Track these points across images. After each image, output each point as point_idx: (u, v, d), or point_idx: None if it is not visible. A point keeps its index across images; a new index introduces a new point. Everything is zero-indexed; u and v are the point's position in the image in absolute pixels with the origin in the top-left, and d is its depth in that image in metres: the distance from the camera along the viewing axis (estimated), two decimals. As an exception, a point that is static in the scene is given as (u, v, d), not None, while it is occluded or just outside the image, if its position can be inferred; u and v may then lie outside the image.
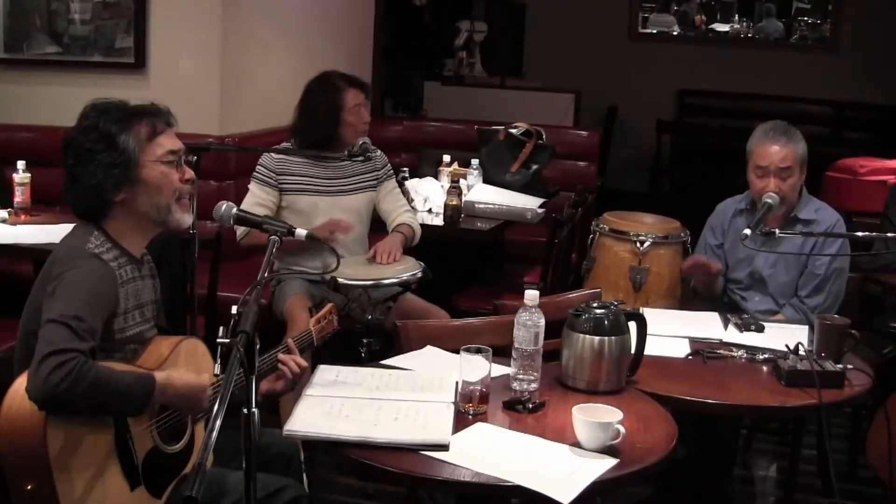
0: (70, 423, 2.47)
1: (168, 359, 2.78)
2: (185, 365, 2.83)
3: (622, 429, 2.57)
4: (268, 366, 2.94)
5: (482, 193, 5.90)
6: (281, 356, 2.98)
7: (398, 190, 5.04)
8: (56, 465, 2.42)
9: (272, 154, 4.67)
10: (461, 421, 2.74)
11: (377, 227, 4.94)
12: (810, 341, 3.46)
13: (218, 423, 2.01)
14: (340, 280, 4.32)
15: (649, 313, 3.42)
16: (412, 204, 5.54)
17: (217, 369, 2.22)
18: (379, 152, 4.92)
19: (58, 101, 5.96)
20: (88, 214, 2.81)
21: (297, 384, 3.04)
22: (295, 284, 4.62)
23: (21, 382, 2.46)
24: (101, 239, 2.76)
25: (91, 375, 2.42)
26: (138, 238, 2.87)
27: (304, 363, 3.03)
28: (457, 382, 2.86)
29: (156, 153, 2.80)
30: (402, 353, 3.35)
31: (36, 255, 4.34)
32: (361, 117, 4.73)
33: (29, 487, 2.42)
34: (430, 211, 5.67)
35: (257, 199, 4.64)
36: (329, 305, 3.32)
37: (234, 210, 2.82)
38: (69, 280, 2.60)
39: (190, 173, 2.90)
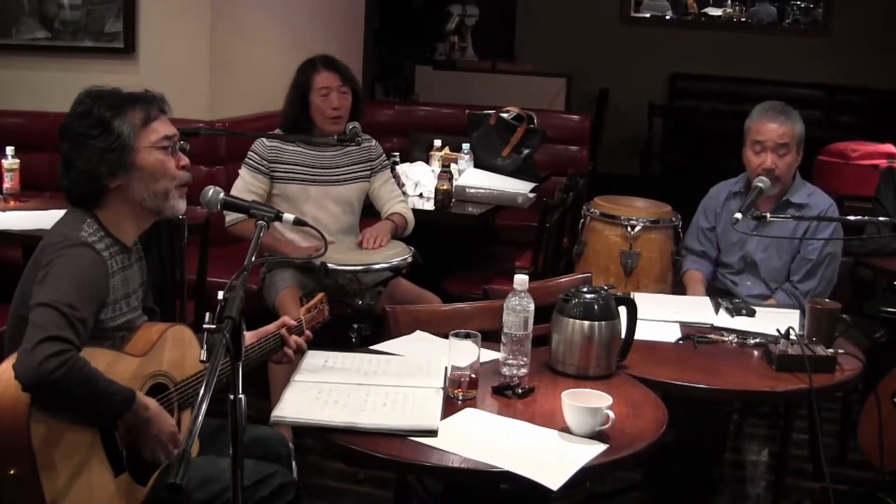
0: (54, 408, 2.46)
1: (155, 345, 2.76)
2: (170, 354, 2.82)
3: (611, 414, 2.56)
4: (272, 346, 2.99)
5: (473, 178, 5.89)
6: (283, 333, 3.02)
7: (393, 180, 5.02)
8: (39, 449, 2.41)
9: (265, 141, 4.64)
10: (450, 406, 2.73)
11: (370, 215, 4.92)
12: (801, 326, 3.46)
13: (203, 408, 2.00)
14: (330, 265, 4.31)
15: (640, 298, 3.41)
16: (402, 189, 5.53)
17: (203, 355, 2.21)
18: (374, 142, 4.90)
19: (47, 87, 5.94)
20: (83, 201, 2.80)
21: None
22: (286, 276, 4.59)
23: (6, 367, 2.45)
24: (93, 227, 2.75)
25: (84, 372, 2.43)
26: (132, 227, 2.86)
27: (303, 344, 3.08)
28: (446, 368, 2.85)
29: (150, 139, 2.79)
30: (392, 338, 3.33)
31: (25, 240, 4.32)
32: (329, 102, 4.61)
33: (11, 472, 2.41)
34: (420, 196, 5.65)
35: (248, 185, 4.61)
36: (320, 295, 3.31)
37: (222, 195, 2.80)
38: (61, 267, 2.59)
39: (185, 160, 2.90)
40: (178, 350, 2.85)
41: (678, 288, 4.47)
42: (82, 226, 2.73)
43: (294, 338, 3.05)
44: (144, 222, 2.90)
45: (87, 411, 2.51)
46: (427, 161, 6.17)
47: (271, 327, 3.04)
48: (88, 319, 2.57)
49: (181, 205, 2.90)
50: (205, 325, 2.21)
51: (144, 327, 2.86)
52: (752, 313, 3.71)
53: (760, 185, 4.02)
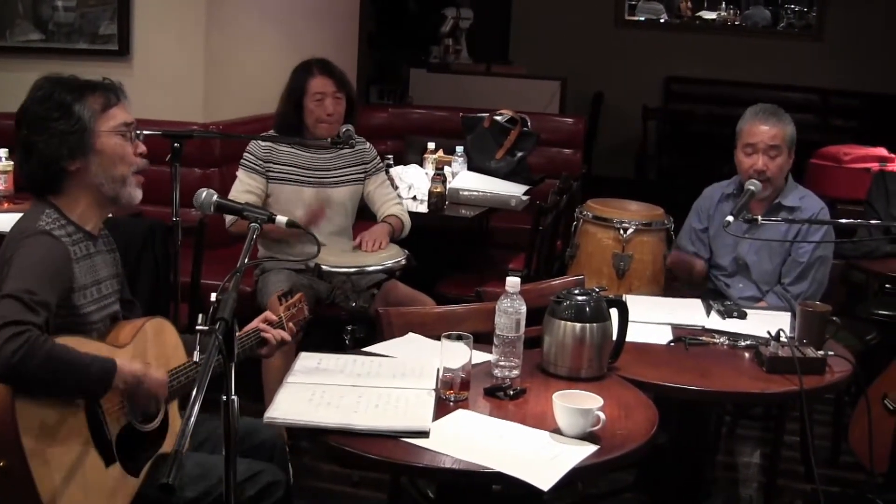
0: (40, 399, 2.47)
1: (135, 339, 2.79)
2: (152, 346, 2.85)
3: (602, 415, 2.58)
4: (254, 341, 3.01)
5: (467, 180, 5.91)
6: (262, 325, 3.05)
7: (388, 182, 5.03)
8: (28, 440, 2.42)
9: (259, 142, 4.66)
10: (442, 408, 2.74)
11: (365, 217, 4.93)
12: (792, 328, 3.47)
13: (196, 409, 2.01)
14: (324, 267, 4.32)
15: (632, 300, 3.43)
16: (396, 192, 5.54)
17: (196, 356, 2.22)
18: (368, 145, 4.91)
19: (41, 89, 5.93)
20: (42, 188, 2.84)
21: (276, 351, 3.12)
22: (279, 278, 4.60)
23: None
24: (53, 216, 2.78)
25: (46, 349, 2.44)
26: (92, 212, 2.88)
27: (287, 336, 3.10)
28: (438, 369, 2.87)
29: (109, 124, 2.84)
30: (385, 339, 3.35)
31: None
32: (324, 108, 4.63)
33: (1, 464, 2.42)
34: (414, 198, 5.66)
35: (245, 186, 4.63)
36: (298, 294, 3.33)
37: (215, 197, 2.82)
38: (20, 258, 2.63)
39: (142, 147, 2.94)
40: (160, 342, 2.89)
41: (670, 290, 4.49)
42: (41, 216, 2.77)
43: (277, 331, 3.08)
44: (103, 209, 2.92)
45: (65, 388, 2.52)
46: (421, 164, 6.19)
47: (252, 324, 3.06)
48: (50, 303, 2.60)
49: (137, 193, 2.93)
50: (197, 327, 2.23)
51: (120, 325, 2.90)
52: (743, 315, 3.73)
53: (752, 188, 4.04)
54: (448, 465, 2.44)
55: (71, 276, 2.73)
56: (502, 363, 2.98)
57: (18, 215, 4.42)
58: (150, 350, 2.83)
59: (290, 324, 3.18)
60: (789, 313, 3.74)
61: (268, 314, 3.12)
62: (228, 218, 4.50)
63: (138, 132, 2.95)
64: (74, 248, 2.78)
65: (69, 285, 2.72)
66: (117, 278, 3.00)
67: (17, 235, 2.71)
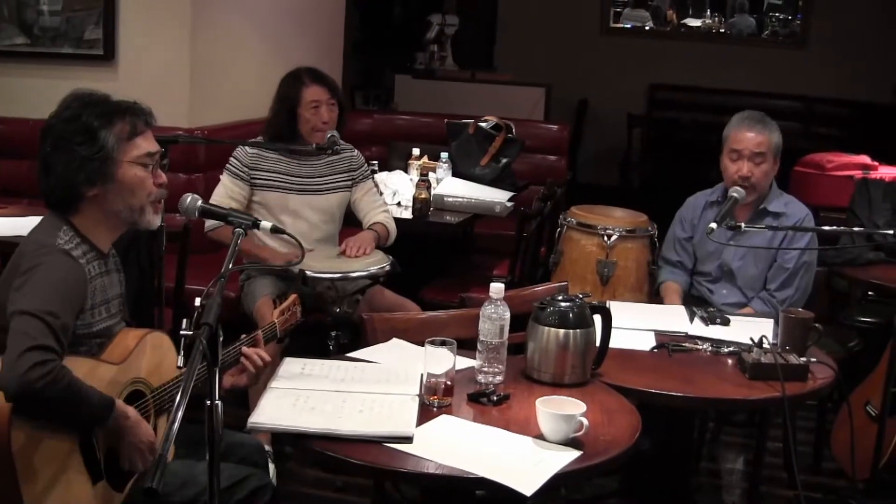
0: (35, 416, 2.47)
1: (133, 352, 2.78)
2: (149, 359, 2.83)
3: (585, 421, 2.58)
4: (231, 358, 2.95)
5: (451, 187, 5.91)
6: (245, 350, 2.99)
7: (375, 190, 5.03)
8: (19, 459, 2.42)
9: (246, 148, 4.66)
10: (426, 413, 2.75)
11: (352, 224, 4.93)
12: (775, 335, 3.48)
13: (179, 415, 2.01)
14: (308, 273, 4.32)
15: (616, 306, 3.42)
16: (381, 198, 5.54)
17: (180, 361, 2.22)
18: (356, 152, 4.91)
19: (26, 93, 5.93)
20: (59, 206, 2.82)
21: (259, 378, 3.05)
22: (264, 284, 4.59)
23: None
24: (70, 234, 2.77)
25: (66, 382, 2.45)
26: (107, 234, 2.88)
27: (267, 357, 3.03)
28: (422, 375, 2.87)
29: (133, 154, 2.81)
30: (369, 345, 3.34)
31: (2, 247, 4.31)
32: (319, 116, 4.65)
33: None
34: (398, 204, 5.66)
35: (228, 191, 4.63)
36: (293, 297, 3.32)
37: (199, 202, 2.82)
38: (40, 275, 2.61)
39: (163, 177, 2.91)
40: (156, 357, 2.86)
41: (654, 297, 4.50)
42: (58, 233, 2.75)
43: (259, 354, 3.04)
44: (119, 230, 2.92)
45: (68, 419, 2.53)
46: (405, 170, 6.18)
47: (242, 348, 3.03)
48: (69, 326, 2.59)
49: (156, 219, 2.92)
50: (182, 332, 2.23)
51: (122, 334, 2.87)
52: (726, 322, 3.73)
53: (735, 195, 4.05)
54: (432, 471, 2.45)
55: (84, 297, 2.73)
56: (486, 369, 2.99)
57: (4, 220, 4.51)
58: (145, 364, 2.83)
59: (282, 333, 3.17)
60: (772, 320, 3.75)
61: (258, 334, 3.09)
62: (208, 223, 4.49)
63: (164, 162, 2.94)
64: (89, 266, 2.78)
65: (81, 306, 2.72)
66: (121, 299, 3.00)
67: (33, 249, 2.69)
